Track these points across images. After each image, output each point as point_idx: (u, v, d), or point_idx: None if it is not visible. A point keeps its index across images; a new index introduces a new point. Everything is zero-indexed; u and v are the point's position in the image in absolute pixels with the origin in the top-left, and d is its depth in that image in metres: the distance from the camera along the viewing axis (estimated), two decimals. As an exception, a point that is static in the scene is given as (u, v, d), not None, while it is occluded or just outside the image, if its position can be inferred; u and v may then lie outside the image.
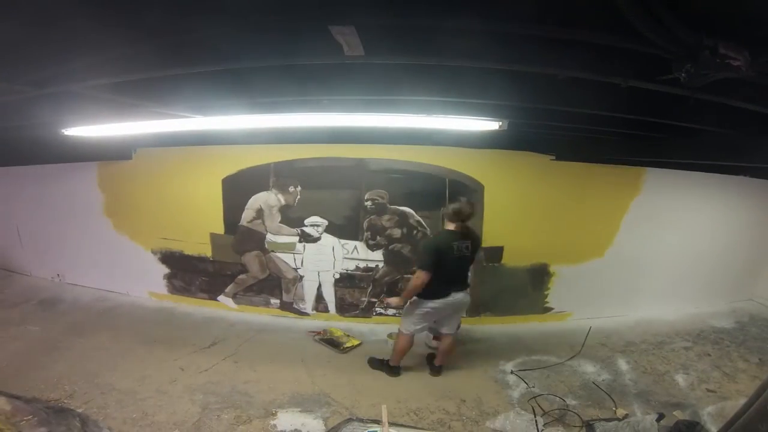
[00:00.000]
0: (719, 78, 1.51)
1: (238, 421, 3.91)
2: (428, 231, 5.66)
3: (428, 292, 4.22)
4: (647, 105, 2.27)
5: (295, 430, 3.85)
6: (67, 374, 4.38)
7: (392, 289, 5.86)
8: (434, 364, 4.76)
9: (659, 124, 2.89)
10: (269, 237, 5.86)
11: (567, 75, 1.81)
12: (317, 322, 5.92)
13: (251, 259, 5.97)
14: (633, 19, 1.24)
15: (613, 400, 4.33)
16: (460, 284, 4.42)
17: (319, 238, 5.77)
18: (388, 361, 4.73)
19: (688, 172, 5.27)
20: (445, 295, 4.28)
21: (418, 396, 4.39)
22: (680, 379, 4.79)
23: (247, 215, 5.81)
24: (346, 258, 5.83)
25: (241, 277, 6.06)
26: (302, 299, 6.03)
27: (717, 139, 3.09)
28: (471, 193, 5.55)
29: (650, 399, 4.40)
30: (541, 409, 4.17)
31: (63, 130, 3.75)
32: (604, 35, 1.43)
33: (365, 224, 5.69)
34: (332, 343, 5.38)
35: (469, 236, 4.34)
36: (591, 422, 3.88)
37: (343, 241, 5.77)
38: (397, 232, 5.69)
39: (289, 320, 6.00)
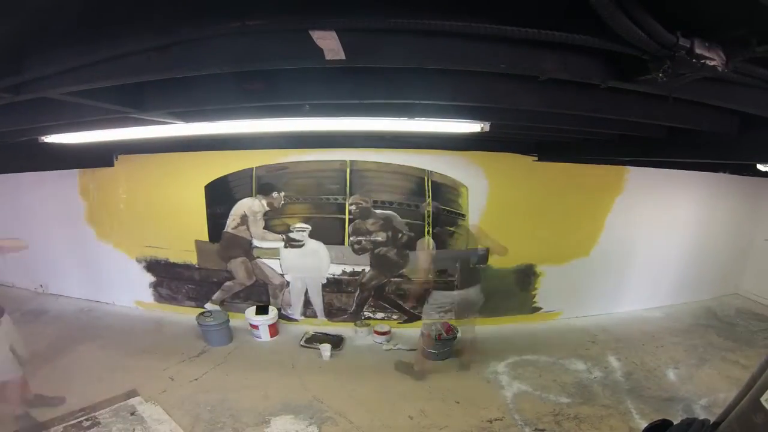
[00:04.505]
0: (697, 77, 1.53)
1: (231, 431, 3.87)
2: (412, 234, 5.65)
3: None
4: (627, 105, 2.29)
5: (289, 437, 3.82)
6: (53, 387, 4.27)
7: (380, 293, 5.85)
8: None
9: (640, 123, 2.92)
10: (254, 243, 5.82)
11: (547, 76, 1.82)
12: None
13: (237, 265, 5.91)
14: (609, 21, 1.25)
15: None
16: None
17: (303, 243, 5.73)
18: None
19: (670, 170, 5.35)
20: None
21: (412, 399, 4.39)
22: (671, 373, 4.86)
23: (231, 222, 5.76)
24: (332, 263, 5.80)
25: (227, 284, 6.00)
26: (290, 305, 5.99)
27: (697, 138, 3.13)
28: (454, 196, 5.58)
29: (643, 394, 4.46)
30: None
31: (42, 138, 3.67)
32: (582, 37, 1.44)
33: (350, 228, 5.67)
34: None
35: None
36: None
37: (329, 246, 5.74)
38: (381, 236, 5.68)
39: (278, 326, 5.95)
